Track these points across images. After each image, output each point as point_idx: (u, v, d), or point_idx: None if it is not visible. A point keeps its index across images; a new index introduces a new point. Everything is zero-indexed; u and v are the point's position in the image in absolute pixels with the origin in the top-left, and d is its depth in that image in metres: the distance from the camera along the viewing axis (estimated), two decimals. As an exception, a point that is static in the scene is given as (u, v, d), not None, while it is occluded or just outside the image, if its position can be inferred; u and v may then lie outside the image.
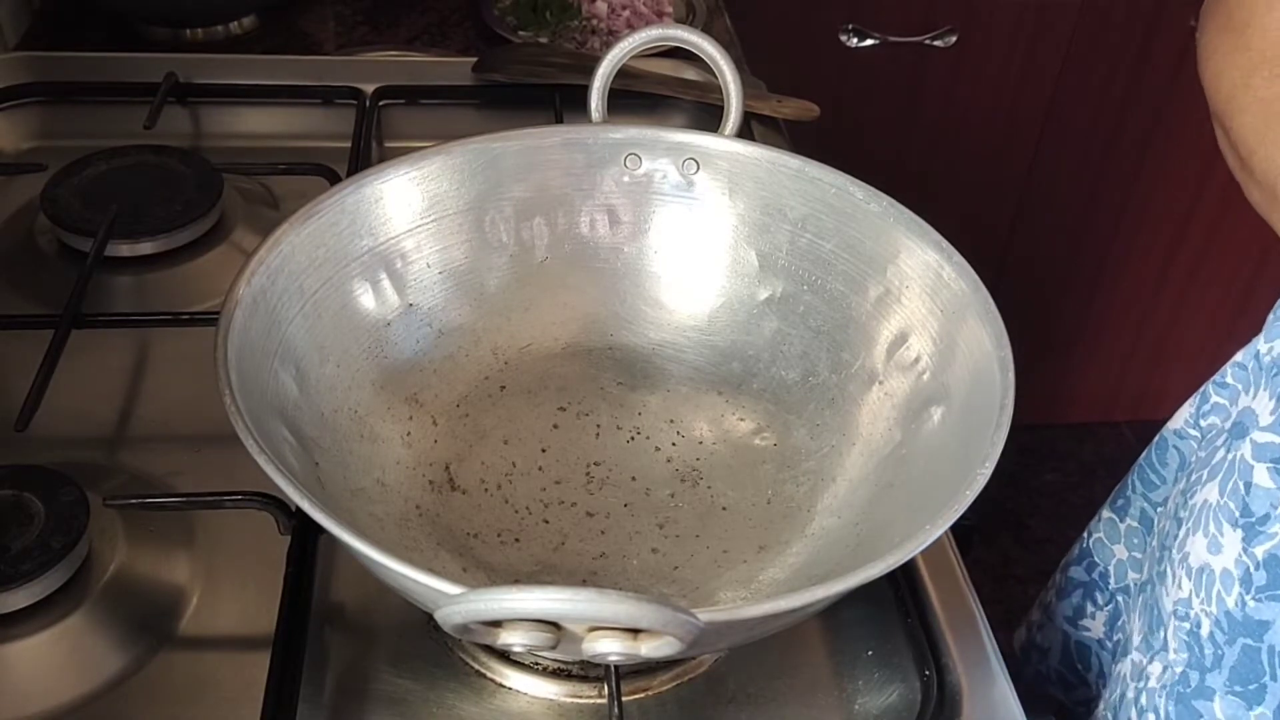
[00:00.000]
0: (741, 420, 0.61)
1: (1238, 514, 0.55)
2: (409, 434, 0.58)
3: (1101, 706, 0.64)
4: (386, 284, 0.59)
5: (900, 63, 1.35)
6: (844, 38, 1.33)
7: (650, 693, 0.52)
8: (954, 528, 0.44)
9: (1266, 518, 0.54)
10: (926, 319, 0.56)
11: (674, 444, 0.60)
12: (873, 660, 0.54)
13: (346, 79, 0.87)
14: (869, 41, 1.33)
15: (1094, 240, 1.55)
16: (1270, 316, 0.60)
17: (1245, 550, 0.55)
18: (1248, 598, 0.54)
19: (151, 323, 0.67)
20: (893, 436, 0.55)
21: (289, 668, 0.50)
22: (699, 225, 0.63)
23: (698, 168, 0.62)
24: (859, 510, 0.55)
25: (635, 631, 0.37)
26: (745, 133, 0.80)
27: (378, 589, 0.53)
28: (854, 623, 0.55)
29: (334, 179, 0.74)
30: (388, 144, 0.86)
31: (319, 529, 0.42)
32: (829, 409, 0.59)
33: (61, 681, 0.50)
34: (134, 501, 0.55)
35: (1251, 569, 0.54)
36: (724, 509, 0.57)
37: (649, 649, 0.37)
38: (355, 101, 0.85)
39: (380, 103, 0.86)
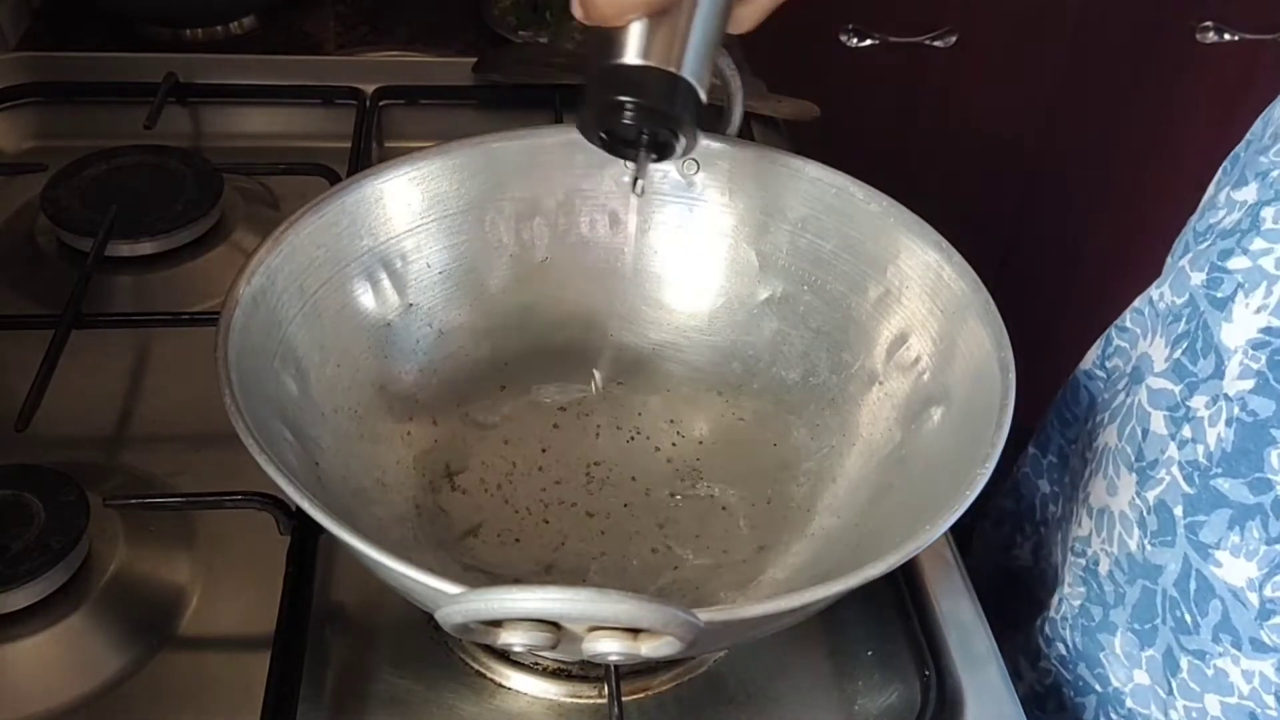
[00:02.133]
0: (741, 420, 0.61)
1: (1133, 458, 0.56)
2: (409, 434, 0.58)
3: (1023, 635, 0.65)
4: (387, 284, 0.59)
5: (900, 63, 1.35)
6: (844, 38, 1.32)
7: (650, 693, 0.52)
8: (954, 528, 0.44)
9: (1155, 463, 0.55)
10: (927, 319, 0.56)
11: (674, 444, 0.60)
12: (873, 660, 0.54)
13: (346, 79, 0.87)
14: (869, 41, 1.33)
15: (1095, 240, 1.55)
16: (1168, 261, 0.60)
17: (1138, 494, 0.56)
18: (1146, 542, 0.55)
19: (151, 323, 0.67)
20: (893, 437, 0.55)
21: (289, 668, 0.50)
22: (699, 225, 0.63)
23: (698, 168, 0.62)
24: (859, 510, 0.55)
25: (635, 631, 0.37)
26: (745, 133, 0.80)
27: (378, 589, 0.53)
28: (854, 623, 0.55)
29: (334, 179, 0.74)
30: (388, 144, 0.86)
31: (319, 529, 0.42)
32: (829, 409, 0.59)
33: (61, 681, 0.50)
34: (134, 501, 0.55)
35: (1145, 513, 0.55)
36: (724, 509, 0.57)
37: (649, 649, 0.37)
38: (355, 101, 0.85)
39: (380, 103, 0.86)
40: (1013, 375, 0.49)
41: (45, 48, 0.91)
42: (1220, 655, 0.52)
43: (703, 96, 0.50)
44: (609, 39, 0.49)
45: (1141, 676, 0.56)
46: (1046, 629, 0.62)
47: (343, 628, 0.54)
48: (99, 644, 0.51)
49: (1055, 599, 0.62)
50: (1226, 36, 1.31)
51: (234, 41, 0.95)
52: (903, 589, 0.55)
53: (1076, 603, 0.60)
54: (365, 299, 0.58)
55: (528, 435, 0.60)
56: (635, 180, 0.53)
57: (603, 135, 0.52)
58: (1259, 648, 0.50)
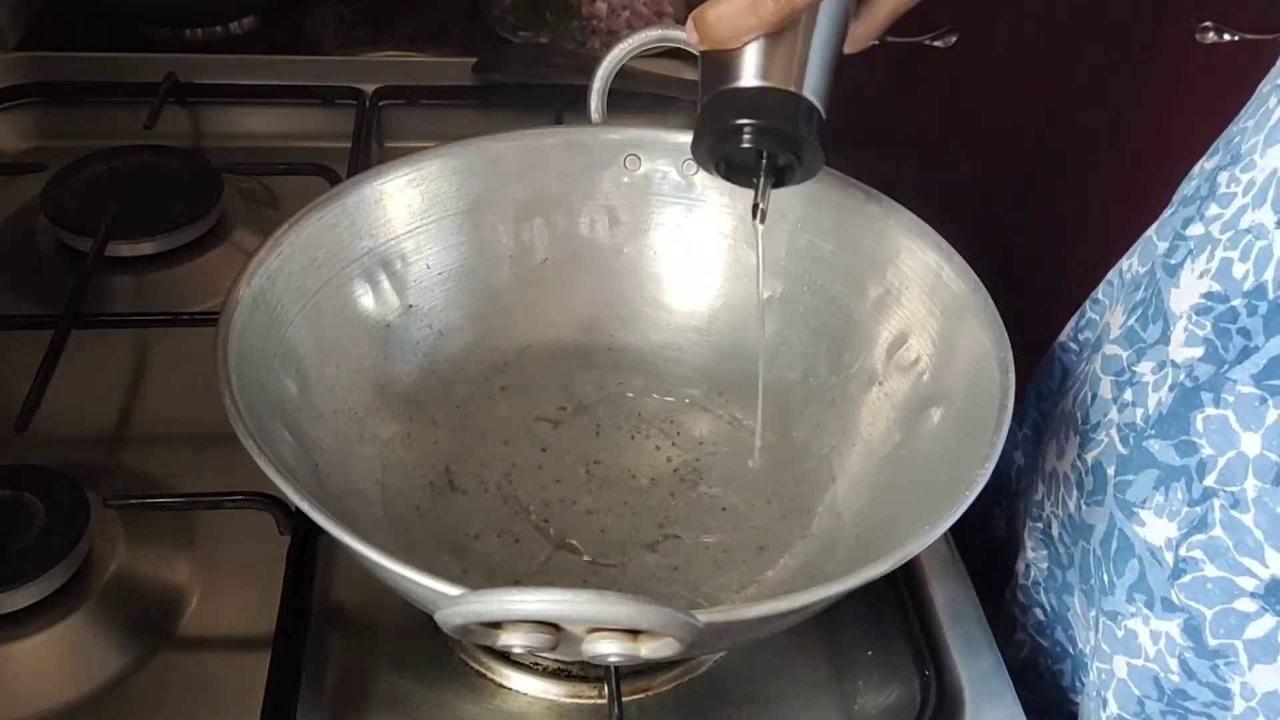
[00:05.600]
0: (742, 421, 0.61)
1: (1080, 422, 0.57)
2: (409, 435, 0.58)
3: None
4: (386, 285, 0.59)
5: (900, 63, 1.35)
6: (844, 37, 1.32)
7: (650, 693, 0.52)
8: (953, 527, 0.44)
9: (1097, 426, 0.55)
10: (926, 319, 0.56)
11: (674, 444, 0.60)
12: (873, 661, 0.54)
13: (346, 79, 0.87)
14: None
15: (1095, 240, 1.54)
16: (1145, 233, 0.60)
17: (1079, 456, 0.56)
18: (1082, 502, 0.56)
19: (151, 323, 0.67)
20: (892, 437, 0.55)
21: (288, 668, 0.50)
22: (699, 225, 0.63)
23: (697, 168, 0.62)
24: (859, 511, 0.55)
25: (635, 632, 0.37)
26: (745, 133, 0.80)
27: (378, 590, 0.53)
28: (854, 623, 0.55)
29: (334, 179, 0.74)
30: (388, 144, 0.86)
31: (319, 530, 0.42)
32: (829, 409, 0.59)
33: (61, 681, 0.50)
34: (134, 501, 0.55)
35: (1083, 474, 0.56)
36: (724, 509, 0.57)
37: (649, 650, 0.37)
38: (355, 102, 0.85)
39: (380, 103, 0.86)
40: (1012, 375, 0.49)
41: (45, 48, 0.90)
42: (1132, 615, 0.52)
43: (824, 116, 0.48)
44: (724, 63, 0.47)
45: (1093, 638, 0.56)
46: (1020, 596, 0.63)
47: (343, 628, 0.54)
48: (99, 644, 0.51)
49: (1023, 565, 0.62)
50: (1226, 36, 1.31)
51: (234, 41, 0.95)
52: (902, 589, 0.55)
53: (1044, 566, 0.60)
54: (365, 300, 0.58)
55: (528, 435, 0.60)
56: (756, 207, 0.50)
57: (720, 164, 0.50)
58: (1168, 607, 0.50)
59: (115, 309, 0.69)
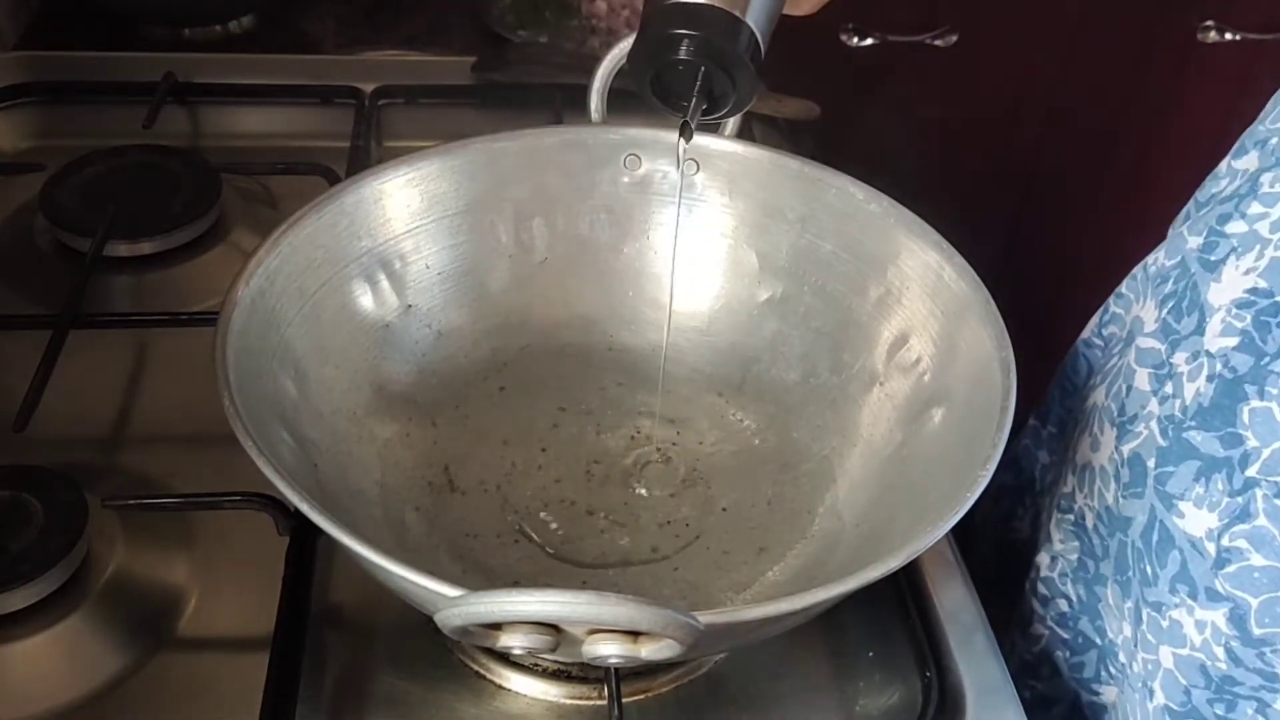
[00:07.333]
0: (741, 421, 0.61)
1: (1116, 414, 0.57)
2: (408, 435, 0.58)
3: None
4: (385, 285, 0.58)
5: (900, 63, 1.35)
6: (844, 37, 1.32)
7: (650, 694, 0.51)
8: (955, 527, 0.44)
9: (1135, 418, 0.55)
10: (927, 320, 0.56)
11: (674, 444, 0.60)
12: (874, 662, 0.54)
13: (345, 79, 0.86)
14: (869, 41, 1.32)
15: (1095, 240, 1.54)
16: (1169, 232, 0.61)
17: (1116, 448, 0.56)
18: (1120, 494, 0.56)
19: (150, 323, 0.66)
20: (894, 438, 0.55)
21: (287, 669, 0.50)
22: (699, 225, 0.63)
23: (698, 168, 0.62)
24: (860, 512, 0.54)
25: (635, 634, 0.37)
26: (745, 133, 0.80)
27: (377, 590, 0.53)
28: (855, 624, 0.55)
29: (333, 179, 0.74)
30: (387, 144, 0.86)
31: (318, 530, 0.42)
32: (830, 410, 0.59)
33: (60, 682, 0.50)
34: (133, 502, 0.55)
35: (1120, 466, 0.56)
36: (724, 510, 0.57)
37: (649, 651, 0.37)
38: (354, 101, 0.85)
39: (379, 102, 0.85)
40: (1013, 376, 0.49)
41: (45, 47, 0.90)
42: (1176, 606, 0.52)
43: (762, 51, 0.48)
44: None
45: (1127, 629, 0.57)
46: (1042, 588, 0.63)
47: (341, 629, 0.53)
48: (98, 645, 0.51)
49: (1047, 556, 0.62)
50: (1227, 36, 1.31)
51: (233, 41, 0.95)
52: (904, 590, 0.55)
53: (1073, 556, 0.60)
54: (364, 300, 0.58)
55: (527, 435, 0.60)
56: (684, 125, 0.50)
57: (653, 83, 0.49)
58: (1213, 597, 0.50)
59: (114, 309, 0.68)
